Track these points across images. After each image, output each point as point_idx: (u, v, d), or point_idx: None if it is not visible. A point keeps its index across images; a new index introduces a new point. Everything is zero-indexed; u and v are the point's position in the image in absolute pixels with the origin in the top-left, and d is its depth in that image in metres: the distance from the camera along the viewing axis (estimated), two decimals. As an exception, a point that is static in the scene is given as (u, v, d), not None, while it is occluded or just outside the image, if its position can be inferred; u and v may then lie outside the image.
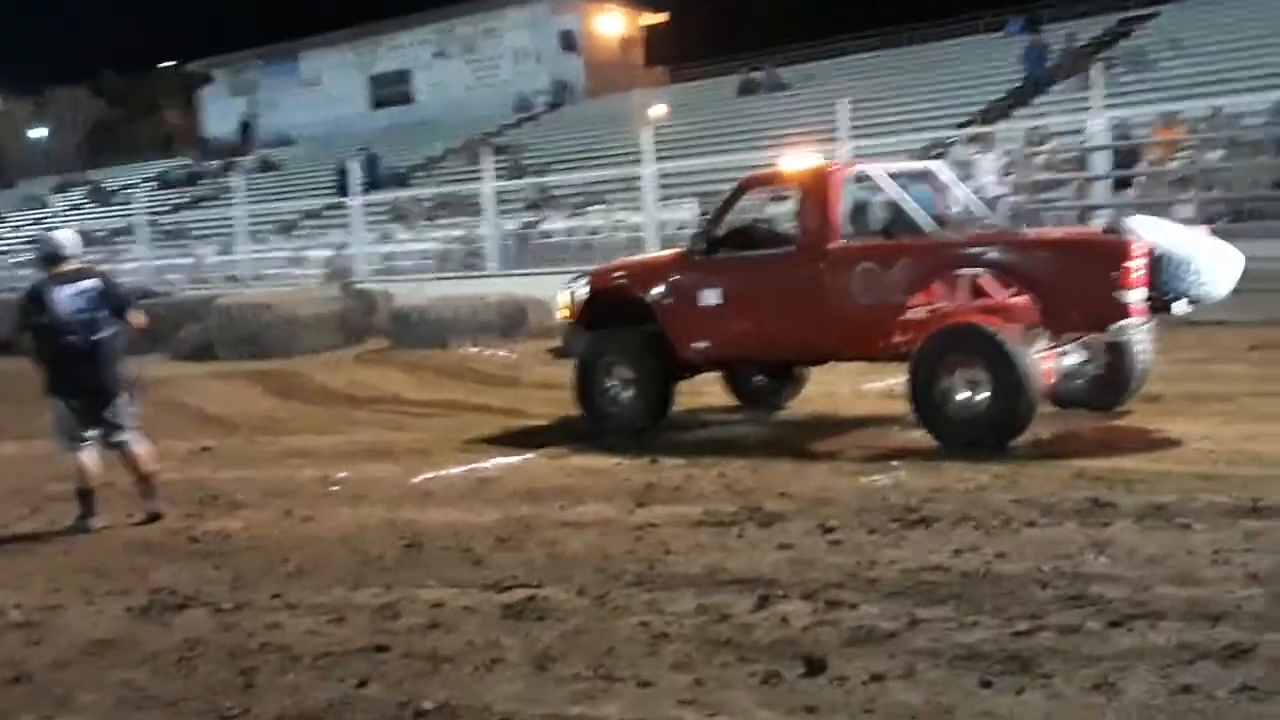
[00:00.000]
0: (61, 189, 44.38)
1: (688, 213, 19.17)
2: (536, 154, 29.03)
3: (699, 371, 9.84)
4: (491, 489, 7.96)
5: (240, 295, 19.06)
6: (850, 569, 5.43)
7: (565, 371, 10.41)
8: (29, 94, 65.12)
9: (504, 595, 5.41)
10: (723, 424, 9.88)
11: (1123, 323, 7.83)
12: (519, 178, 25.62)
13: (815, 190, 8.91)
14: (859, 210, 9.14)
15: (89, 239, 29.90)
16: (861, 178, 9.07)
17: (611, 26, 41.36)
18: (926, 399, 8.03)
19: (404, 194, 27.85)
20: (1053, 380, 8.09)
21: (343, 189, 25.47)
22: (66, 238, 7.65)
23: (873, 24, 35.52)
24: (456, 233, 22.86)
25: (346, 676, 4.52)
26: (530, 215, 22.92)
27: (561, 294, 10.40)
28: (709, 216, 10.32)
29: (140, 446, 7.57)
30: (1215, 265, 7.87)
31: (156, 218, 30.39)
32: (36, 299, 7.33)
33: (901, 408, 8.47)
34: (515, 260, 20.65)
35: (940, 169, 9.68)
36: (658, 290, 9.59)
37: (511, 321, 16.06)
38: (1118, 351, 8.50)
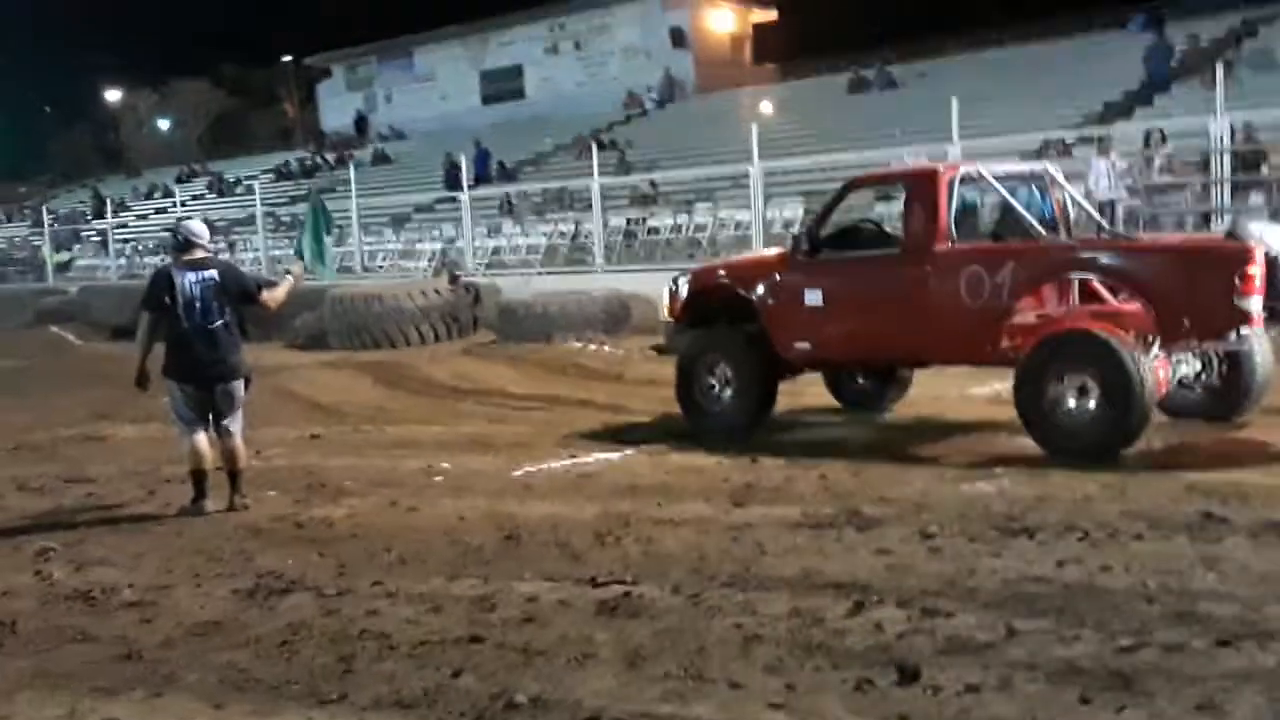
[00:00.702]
0: (183, 179, 45.70)
1: (794, 211, 19.05)
2: (644, 150, 29.06)
3: (800, 372, 9.78)
4: (591, 484, 8.01)
5: (352, 286, 19.43)
6: (949, 577, 5.35)
7: (668, 369, 10.44)
8: (152, 86, 67.21)
9: (599, 591, 5.44)
10: (824, 425, 9.80)
11: (1241, 331, 7.58)
12: (626, 174, 25.69)
13: (922, 191, 8.80)
14: (968, 212, 8.97)
15: (211, 229, 30.89)
16: (970, 179, 8.87)
17: (721, 23, 41.22)
18: (1034, 406, 7.89)
19: (513, 189, 28.13)
20: (1166, 389, 7.90)
21: (452, 183, 25.83)
22: (196, 226, 7.97)
23: (988, 22, 34.89)
24: (564, 228, 23.02)
25: (441, 666, 4.59)
26: (637, 211, 22.96)
27: (665, 291, 10.43)
28: (815, 216, 10.26)
29: (240, 441, 7.75)
30: None
31: (274, 209, 31.08)
32: (165, 280, 7.62)
33: (1008, 414, 8.30)
34: (621, 256, 20.73)
35: (1052, 171, 9.49)
36: (761, 289, 9.53)
37: (616, 317, 16.12)
38: (1236, 361, 8.25)
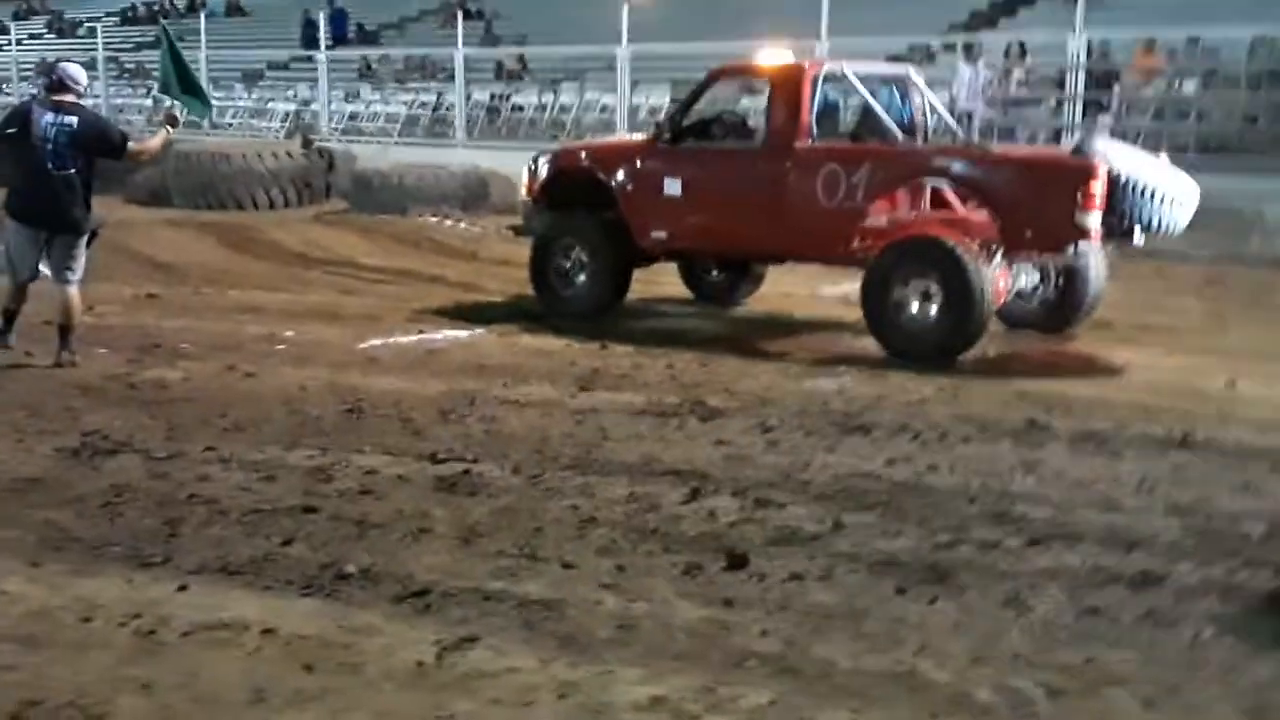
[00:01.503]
0: (21, 15, 42.97)
1: (661, 98, 18.91)
2: (513, 23, 28.35)
3: (655, 260, 9.82)
4: (438, 361, 7.94)
5: (199, 143, 18.65)
6: (783, 469, 5.48)
7: (524, 249, 10.36)
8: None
9: (439, 467, 5.43)
10: (676, 316, 9.87)
11: (1080, 245, 7.80)
12: (493, 45, 25.09)
13: (786, 87, 8.80)
14: (829, 111, 9.06)
15: (49, 71, 29.23)
16: (834, 77, 8.92)
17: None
18: (879, 307, 8.05)
19: (374, 52, 27.22)
20: (1004, 299, 8.14)
21: (309, 42, 24.88)
22: (75, 71, 7.61)
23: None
24: (425, 98, 22.41)
25: (272, 534, 4.54)
26: (502, 87, 22.47)
27: (525, 170, 10.32)
28: (678, 104, 10.21)
29: (75, 295, 7.46)
30: (1176, 196, 7.83)
31: (118, 55, 29.54)
32: (22, 115, 7.41)
33: (856, 315, 8.48)
34: (483, 132, 20.32)
35: (914, 75, 9.57)
36: (621, 175, 9.47)
37: (474, 194, 15.86)
38: (1071, 275, 8.48)
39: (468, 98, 20.22)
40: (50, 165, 7.22)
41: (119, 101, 25.09)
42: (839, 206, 8.34)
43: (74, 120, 7.31)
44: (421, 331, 8.88)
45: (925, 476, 5.42)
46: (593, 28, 22.52)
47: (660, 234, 9.32)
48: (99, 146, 7.42)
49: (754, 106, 11.60)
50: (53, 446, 5.62)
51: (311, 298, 10.47)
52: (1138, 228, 7.78)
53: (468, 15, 24.31)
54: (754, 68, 10.04)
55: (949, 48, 17.49)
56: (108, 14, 38.05)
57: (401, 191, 15.65)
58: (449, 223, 14.88)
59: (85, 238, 7.45)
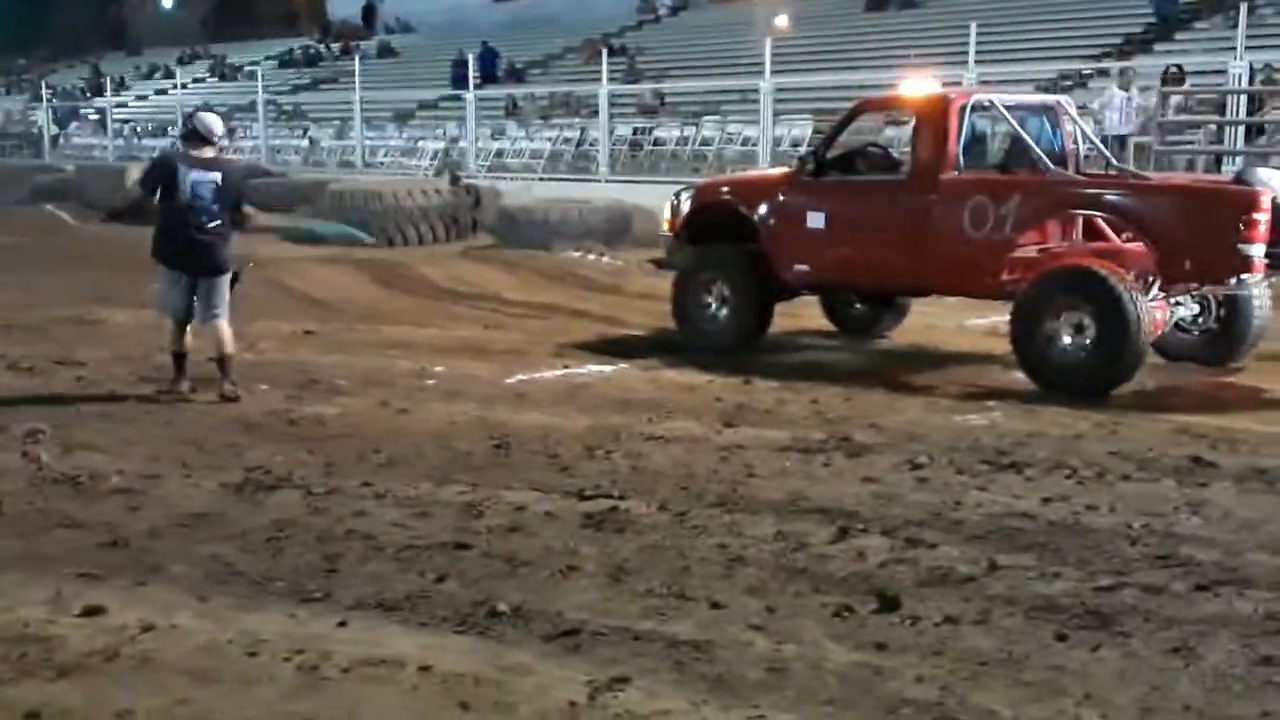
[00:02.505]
0: (185, 61, 45.01)
1: (803, 130, 18.85)
2: (655, 58, 28.64)
3: (798, 294, 9.81)
4: (583, 395, 8.01)
5: (352, 181, 19.24)
6: (934, 508, 5.38)
7: (666, 283, 10.42)
8: (158, -36, 66.02)
9: (586, 504, 5.47)
10: (820, 349, 9.81)
11: (1242, 277, 7.58)
12: (635, 82, 25.35)
13: (932, 118, 8.74)
14: (977, 141, 8.96)
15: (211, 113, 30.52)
16: (981, 107, 8.83)
17: (742, -70, 40.42)
18: (1029, 340, 7.91)
19: (520, 90, 27.77)
20: (1161, 330, 7.95)
21: (458, 81, 25.47)
22: (212, 121, 7.94)
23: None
24: (569, 134, 22.76)
25: (426, 570, 4.61)
26: (643, 121, 22.69)
27: (667, 205, 10.41)
28: (822, 137, 10.15)
29: (227, 327, 7.78)
30: None
31: (276, 97, 30.70)
32: (170, 170, 7.68)
33: (1004, 347, 8.33)
34: (625, 166, 20.53)
35: (1065, 104, 9.40)
36: (763, 208, 9.47)
37: (617, 228, 16.01)
38: (1234, 306, 8.24)
39: (610, 132, 20.44)
40: (200, 219, 7.58)
41: (276, 142, 26.03)
42: (987, 238, 8.22)
43: (219, 177, 7.67)
44: (567, 366, 8.99)
45: (1083, 516, 5.26)
46: (734, 61, 22.64)
47: (803, 268, 9.28)
48: (235, 201, 7.81)
49: (899, 138, 11.44)
50: (218, 482, 5.82)
51: (459, 333, 10.68)
52: None
53: (611, 52, 24.64)
54: (900, 99, 9.96)
55: (1103, 73, 17.08)
56: (267, 58, 39.59)
57: (546, 226, 15.88)
58: (592, 257, 15.03)
59: (229, 277, 7.78)
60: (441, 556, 4.78)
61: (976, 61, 15.35)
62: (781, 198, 9.42)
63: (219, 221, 7.64)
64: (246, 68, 38.30)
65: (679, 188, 10.65)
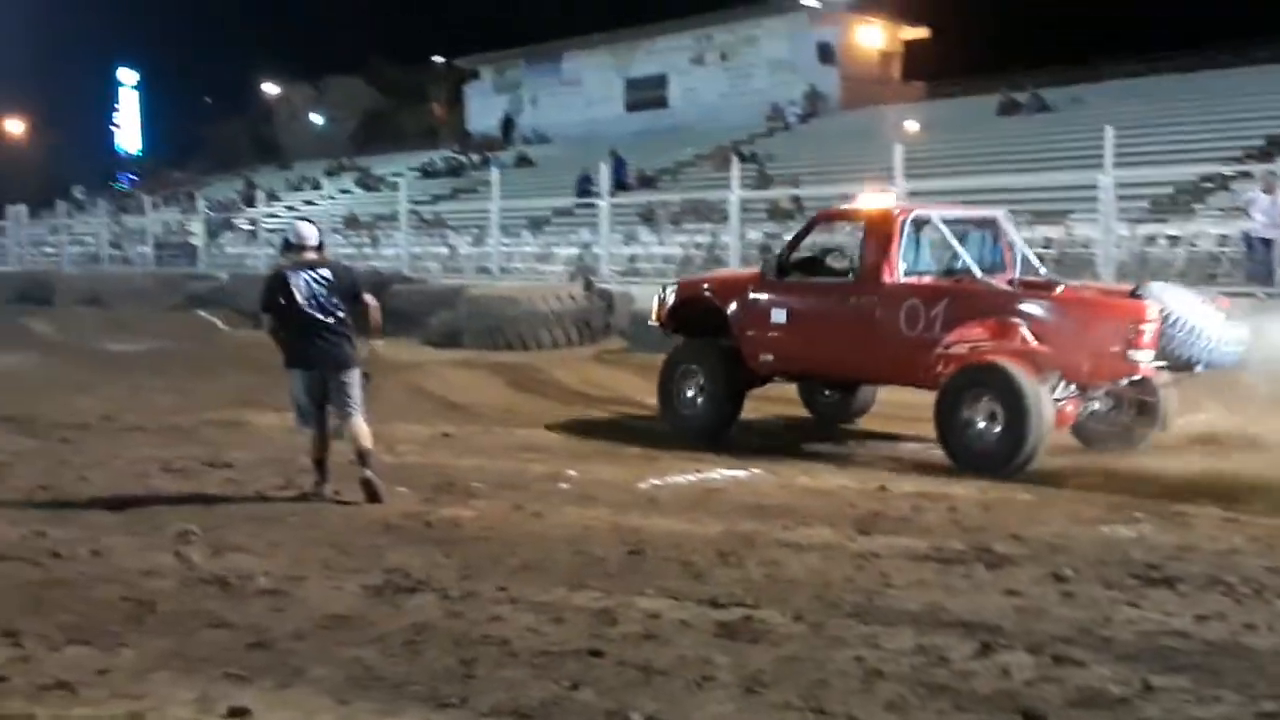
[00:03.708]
0: (333, 173, 46.94)
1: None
2: (786, 164, 28.92)
3: (767, 383, 10.75)
4: (716, 501, 7.99)
5: (489, 287, 19.71)
6: (1082, 624, 5.19)
7: (795, 387, 10.40)
8: (309, 81, 69.35)
9: (720, 612, 5.41)
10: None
11: (1132, 378, 8.73)
12: (766, 187, 25.58)
13: (877, 229, 9.82)
14: (917, 250, 9.91)
15: (355, 222, 31.60)
16: (921, 221, 9.86)
17: (871, 39, 40.83)
18: (951, 425, 8.95)
19: (652, 197, 28.25)
20: (1072, 421, 9.02)
21: (582, 193, 26.06)
22: (305, 229, 8.27)
23: (1147, 48, 33.77)
24: (700, 239, 23.01)
25: (561, 678, 4.60)
26: (774, 226, 22.84)
27: (655, 298, 11.53)
28: (787, 243, 11.10)
29: (362, 423, 7.96)
30: (1224, 337, 8.76)
31: (417, 206, 31.71)
32: (280, 282, 8.00)
33: (1162, 461, 8.31)
34: (756, 270, 20.57)
35: (1004, 218, 10.49)
36: (735, 304, 10.55)
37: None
38: (1144, 403, 9.17)
39: (741, 237, 20.58)
40: (319, 316, 7.87)
41: (417, 250, 26.81)
42: (920, 336, 9.28)
43: (327, 272, 7.96)
44: (698, 470, 8.98)
45: (1242, 636, 5.02)
46: (865, 167, 22.69)
47: (768, 358, 10.34)
48: (351, 291, 8.03)
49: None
50: (359, 584, 5.92)
51: (591, 437, 10.76)
52: (1189, 362, 8.74)
53: (741, 158, 24.95)
54: (852, 212, 10.84)
55: (1245, 175, 16.68)
56: (410, 169, 41.03)
57: (677, 331, 15.93)
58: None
59: (356, 371, 7.99)
60: (576, 663, 4.77)
61: (1114, 164, 15.12)
62: (750, 295, 10.47)
63: (338, 316, 7.89)
64: (390, 178, 39.78)
65: (665, 284, 11.93)
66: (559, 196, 29.53)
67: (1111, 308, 8.98)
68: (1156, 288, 9.00)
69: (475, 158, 41.78)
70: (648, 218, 26.32)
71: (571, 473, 8.86)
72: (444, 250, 27.54)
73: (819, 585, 5.86)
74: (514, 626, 5.23)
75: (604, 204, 22.58)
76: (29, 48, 72.74)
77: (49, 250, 36.32)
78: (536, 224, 29.16)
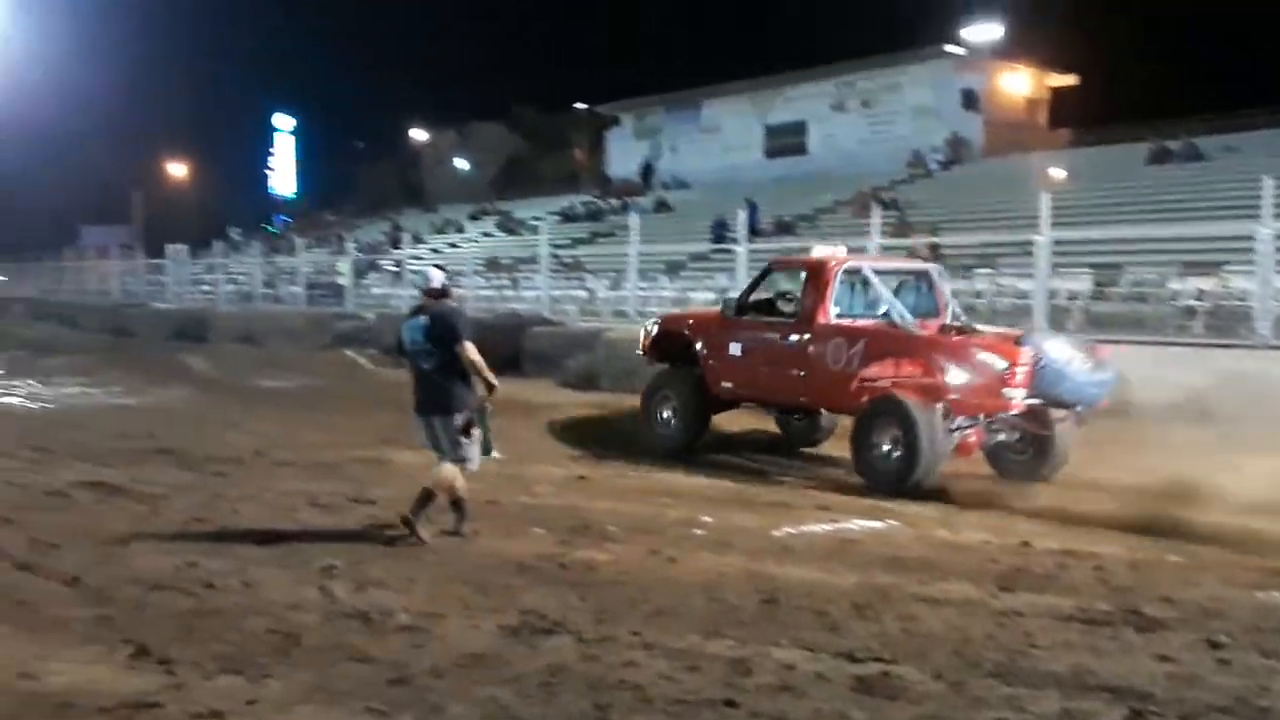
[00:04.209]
0: (475, 216, 47.96)
1: (1082, 284, 18.31)
2: (926, 211, 28.58)
3: (730, 407, 12.42)
4: (851, 551, 7.89)
5: (627, 330, 19.83)
6: (1238, 693, 4.99)
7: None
8: (455, 127, 71.24)
9: (857, 666, 5.34)
10: (1096, 496, 9.40)
11: (1007, 413, 10.07)
12: (906, 234, 25.29)
13: (815, 277, 11.37)
14: (851, 296, 11.45)
15: (496, 265, 32.18)
16: (853, 271, 11.42)
17: (1017, 86, 40.29)
18: (863, 446, 10.37)
19: (789, 243, 28.17)
20: (975, 450, 10.37)
21: (719, 237, 26.06)
22: (429, 273, 8.48)
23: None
24: (838, 285, 22.79)
25: (695, 727, 4.59)
26: (914, 273, 22.56)
27: (642, 330, 13.39)
28: (746, 287, 12.77)
29: (445, 470, 8.04)
30: (1092, 380, 10.02)
31: (557, 250, 32.17)
32: (400, 327, 8.31)
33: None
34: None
35: (936, 271, 12.13)
36: (701, 338, 12.32)
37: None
38: (1043, 438, 10.45)
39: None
40: (420, 362, 8.06)
41: (556, 293, 27.13)
42: (843, 370, 10.77)
43: (426, 318, 8.07)
44: (834, 520, 8.88)
45: None
46: (1009, 214, 22.32)
47: (728, 385, 12.07)
48: (446, 338, 8.00)
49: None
50: (495, 623, 5.99)
51: (726, 482, 10.72)
52: (1058, 400, 10.03)
53: (882, 205, 24.76)
54: (796, 261, 12.52)
55: None
56: (550, 213, 41.72)
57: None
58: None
59: (460, 419, 8.03)
60: (710, 713, 4.75)
61: (1275, 215, 14.57)
62: (714, 331, 12.21)
63: (434, 362, 7.99)
64: (530, 222, 40.46)
65: (652, 318, 14.04)
66: (696, 242, 29.65)
67: (989, 351, 10.13)
68: (1036, 337, 10.39)
69: (614, 202, 42.27)
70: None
71: (706, 518, 8.84)
72: (583, 293, 27.81)
73: (958, 642, 5.74)
74: (649, 673, 5.24)
75: (740, 249, 22.60)
76: (192, 96, 76.55)
77: (206, 289, 37.74)
78: (673, 268, 29.30)
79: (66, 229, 65.02)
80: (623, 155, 50.26)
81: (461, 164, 69.84)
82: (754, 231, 27.67)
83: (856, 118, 41.33)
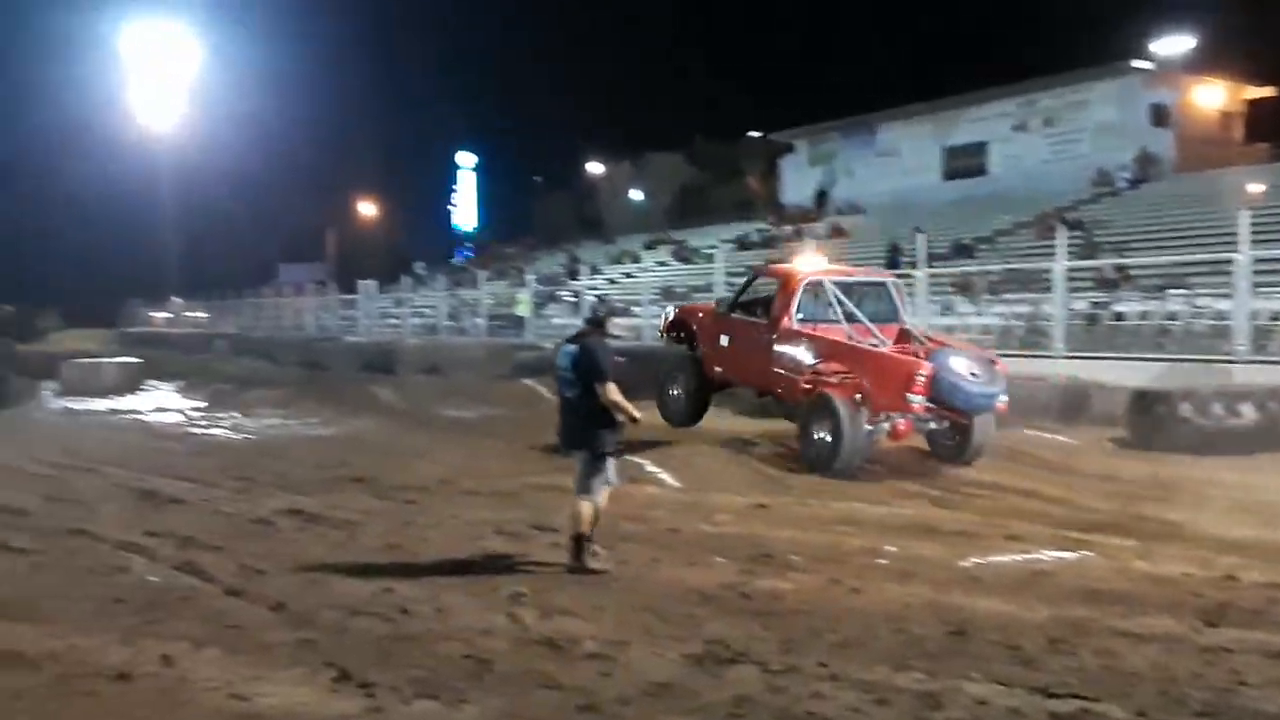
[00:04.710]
0: (650, 246, 48.43)
1: (1281, 305, 17.45)
2: (1114, 231, 27.68)
3: (724, 388, 14.56)
4: (1043, 583, 7.65)
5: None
6: None
7: (1127, 463, 9.85)
8: (630, 159, 72.27)
9: (1054, 703, 5.18)
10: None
11: (909, 414, 11.97)
12: (1092, 256, 24.52)
13: (783, 286, 13.48)
14: (815, 304, 13.25)
15: (671, 294, 32.39)
16: (815, 283, 13.31)
17: (1210, 100, 38.71)
18: (805, 434, 12.32)
19: (968, 267, 27.61)
20: (903, 438, 12.38)
21: (892, 262, 25.68)
22: (591, 304, 8.75)
23: None
24: (1021, 309, 22.26)
25: (885, 762, 4.52)
26: (1102, 295, 21.84)
27: (663, 315, 16.20)
28: (738, 289, 14.86)
29: (583, 505, 8.03)
30: (981, 390, 11.93)
31: (731, 278, 32.17)
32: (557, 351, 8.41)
33: None
34: (1082, 342, 19.73)
35: (893, 285, 14.02)
36: (700, 328, 14.56)
37: (1071, 406, 15.36)
38: (962, 428, 12.47)
39: (1066, 307, 19.76)
40: (562, 389, 8.17)
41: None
42: (797, 366, 12.82)
43: (575, 349, 8.09)
44: (1024, 551, 8.63)
45: None
46: (1204, 233, 21.42)
47: (719, 369, 14.20)
48: (589, 372, 8.00)
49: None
50: (680, 652, 6.01)
51: (907, 511, 10.54)
52: (954, 406, 12.00)
53: (1067, 226, 24.05)
54: (771, 270, 14.86)
55: None
56: (724, 241, 41.77)
57: (997, 403, 15.46)
58: (1045, 435, 14.46)
59: (597, 455, 8.04)
60: (902, 748, 4.67)
61: None
62: (709, 323, 14.41)
63: (575, 392, 8.04)
64: (705, 250, 40.62)
65: (669, 306, 17.62)
66: (870, 265, 29.32)
67: (897, 364, 12.19)
68: (941, 353, 12.18)
69: (789, 229, 42.13)
70: (964, 288, 25.70)
71: (889, 548, 8.71)
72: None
73: (1163, 680, 5.52)
74: (836, 705, 5.18)
75: (920, 274, 22.25)
76: (381, 139, 79.78)
77: (393, 322, 39.04)
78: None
79: (266, 268, 68.44)
80: (797, 181, 50.13)
81: (636, 195, 70.72)
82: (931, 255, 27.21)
83: (1039, 137, 40.32)
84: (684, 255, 44.00)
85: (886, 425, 12.10)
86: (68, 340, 44.00)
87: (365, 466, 12.98)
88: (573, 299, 35.77)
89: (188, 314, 57.39)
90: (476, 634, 6.39)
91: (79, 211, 69.63)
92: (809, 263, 14.18)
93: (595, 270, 43.62)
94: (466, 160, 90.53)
